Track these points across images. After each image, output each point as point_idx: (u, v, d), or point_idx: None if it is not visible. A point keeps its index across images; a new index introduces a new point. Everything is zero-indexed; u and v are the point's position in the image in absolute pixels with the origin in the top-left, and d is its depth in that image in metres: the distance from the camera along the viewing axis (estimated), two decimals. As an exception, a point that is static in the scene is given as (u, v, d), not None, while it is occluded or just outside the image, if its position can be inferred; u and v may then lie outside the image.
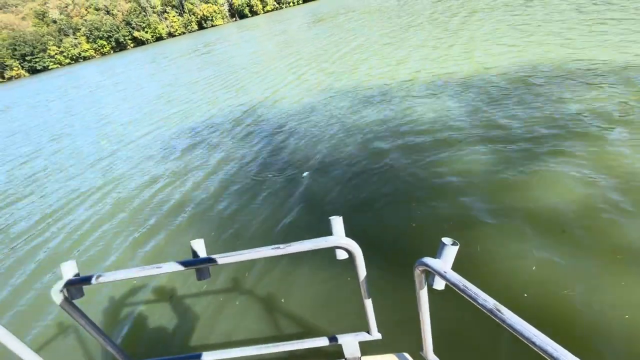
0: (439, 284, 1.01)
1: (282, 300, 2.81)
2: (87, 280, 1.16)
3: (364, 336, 1.42)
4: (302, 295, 2.81)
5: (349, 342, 1.46)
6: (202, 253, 1.18)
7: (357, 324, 1.34)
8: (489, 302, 0.81)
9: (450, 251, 0.95)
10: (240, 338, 2.59)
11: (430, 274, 1.01)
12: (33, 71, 80.00)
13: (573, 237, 2.63)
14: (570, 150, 3.72)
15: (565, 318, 2.10)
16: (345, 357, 1.51)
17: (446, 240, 0.96)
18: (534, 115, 4.66)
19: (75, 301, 1.20)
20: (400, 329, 2.11)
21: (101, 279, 1.17)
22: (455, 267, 0.95)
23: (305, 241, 1.14)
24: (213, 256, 1.15)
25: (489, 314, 0.80)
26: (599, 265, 2.37)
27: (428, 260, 0.99)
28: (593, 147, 3.66)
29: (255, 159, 5.73)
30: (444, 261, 0.96)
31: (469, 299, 0.86)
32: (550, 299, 2.23)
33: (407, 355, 1.51)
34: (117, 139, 9.28)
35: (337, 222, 1.15)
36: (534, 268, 2.47)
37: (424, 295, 1.15)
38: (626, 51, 5.85)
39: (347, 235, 1.14)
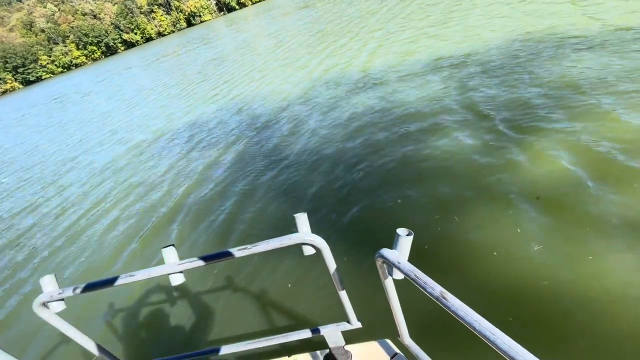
0: (397, 274, 1.03)
1: (270, 294, 2.82)
2: (66, 292, 1.20)
3: (344, 326, 1.43)
4: (283, 290, 2.85)
5: (331, 332, 1.47)
6: (174, 259, 1.19)
7: (342, 314, 1.38)
8: (436, 289, 0.86)
9: (405, 242, 0.98)
10: (223, 336, 2.62)
11: (389, 264, 1.03)
12: (27, 82, 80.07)
13: (546, 201, 2.83)
14: (539, 123, 3.74)
15: (533, 272, 2.27)
16: (330, 346, 1.54)
17: (401, 231, 0.98)
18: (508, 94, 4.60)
19: (58, 312, 1.24)
20: (380, 316, 2.12)
21: (79, 291, 1.20)
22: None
23: (270, 240, 1.14)
24: (183, 261, 1.17)
25: (436, 300, 0.85)
26: (566, 224, 2.57)
27: (385, 251, 1.02)
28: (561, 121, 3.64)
29: (222, 158, 5.74)
30: (400, 252, 0.99)
31: (420, 288, 0.90)
32: (519, 260, 2.42)
33: (388, 341, 1.54)
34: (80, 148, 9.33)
35: (302, 219, 1.14)
36: (518, 230, 2.61)
37: (389, 284, 1.17)
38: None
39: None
